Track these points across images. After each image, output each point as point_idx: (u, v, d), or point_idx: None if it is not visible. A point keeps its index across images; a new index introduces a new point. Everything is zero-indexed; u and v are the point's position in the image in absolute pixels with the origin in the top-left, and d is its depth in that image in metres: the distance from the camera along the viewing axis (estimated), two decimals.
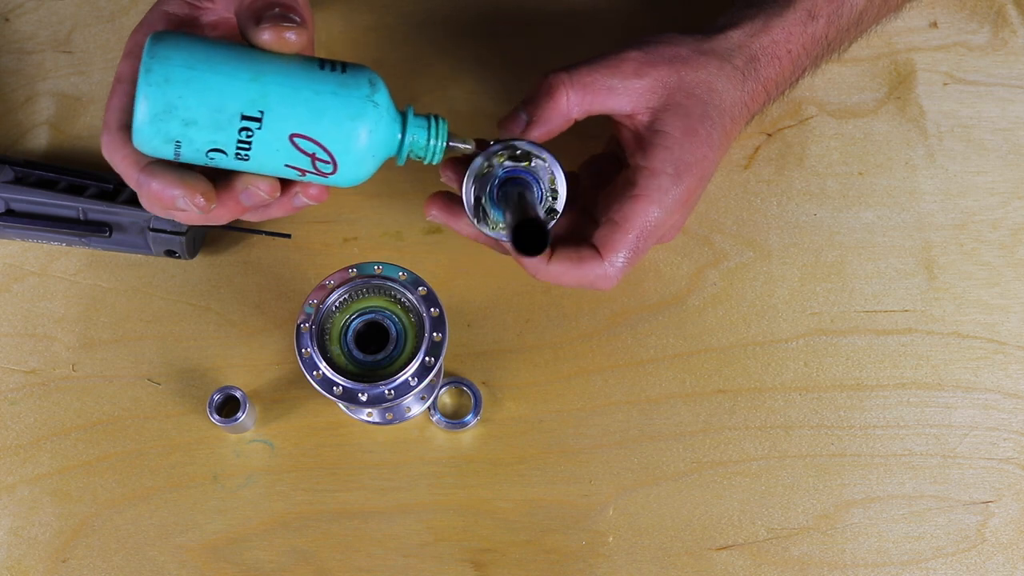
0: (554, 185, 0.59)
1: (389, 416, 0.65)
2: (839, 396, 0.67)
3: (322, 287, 0.59)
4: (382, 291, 0.60)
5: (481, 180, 0.58)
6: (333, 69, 0.53)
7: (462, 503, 0.65)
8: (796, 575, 0.64)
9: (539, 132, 0.59)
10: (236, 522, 0.65)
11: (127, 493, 0.66)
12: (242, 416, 0.64)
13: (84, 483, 0.66)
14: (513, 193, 0.57)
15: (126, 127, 0.53)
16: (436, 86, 0.74)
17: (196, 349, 0.68)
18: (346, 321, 0.60)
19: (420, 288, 0.59)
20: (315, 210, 0.64)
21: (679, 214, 0.62)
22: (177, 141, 0.51)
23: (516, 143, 0.58)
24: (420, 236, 0.71)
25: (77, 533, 0.65)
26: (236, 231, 0.70)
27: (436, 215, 0.62)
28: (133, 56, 0.54)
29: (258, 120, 0.51)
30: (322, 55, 0.55)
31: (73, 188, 0.69)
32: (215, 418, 0.64)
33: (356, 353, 0.59)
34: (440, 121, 0.56)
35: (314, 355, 0.57)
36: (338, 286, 0.59)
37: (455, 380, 0.67)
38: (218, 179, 0.54)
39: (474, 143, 0.58)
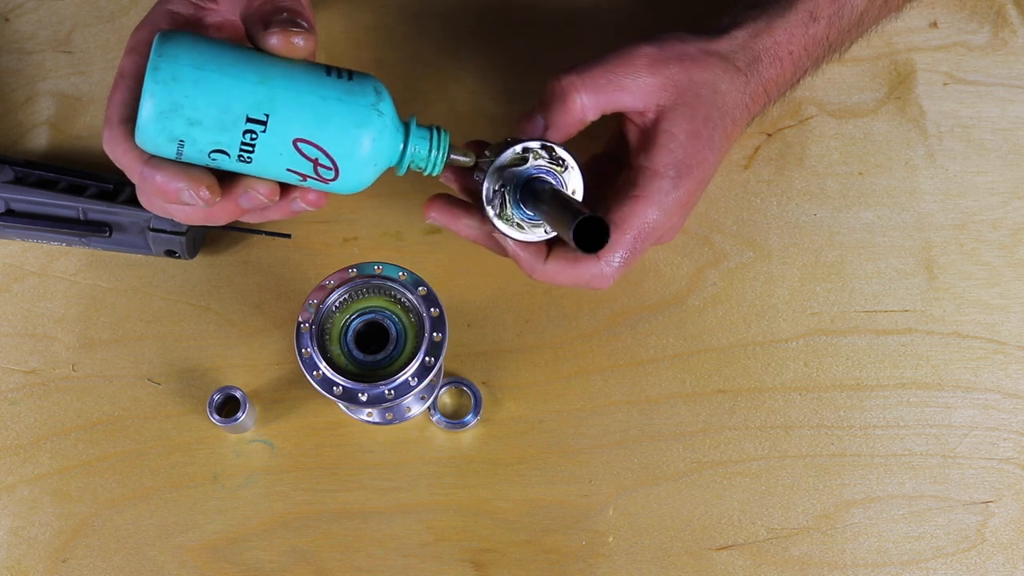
0: (573, 196, 0.59)
1: (389, 416, 0.65)
2: (839, 396, 0.67)
3: (322, 287, 0.59)
4: (382, 291, 0.60)
5: (506, 173, 0.58)
6: (339, 76, 0.53)
7: (462, 503, 0.65)
8: (796, 575, 0.64)
9: (556, 137, 0.60)
10: (236, 522, 0.65)
11: (127, 493, 0.66)
12: (242, 416, 0.64)
13: (84, 483, 0.66)
14: (550, 191, 0.57)
15: (128, 121, 0.53)
16: (436, 86, 0.74)
17: (196, 349, 0.68)
18: (346, 321, 0.60)
19: (420, 288, 0.59)
20: (315, 210, 0.64)
21: (678, 216, 0.62)
22: (181, 140, 0.51)
23: (554, 146, 0.58)
24: (420, 236, 0.71)
25: (77, 533, 0.65)
26: (236, 231, 0.70)
27: (435, 217, 0.62)
28: (136, 53, 0.54)
29: (263, 123, 0.51)
30: (323, 56, 0.55)
31: (73, 188, 0.69)
32: (215, 418, 0.64)
33: (356, 353, 0.59)
34: (443, 133, 0.56)
35: (314, 355, 0.57)
36: (338, 286, 0.59)
37: (455, 380, 0.67)
38: (218, 180, 0.54)
39: (473, 156, 0.58)
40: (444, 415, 0.67)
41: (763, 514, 0.65)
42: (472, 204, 0.60)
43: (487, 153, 0.59)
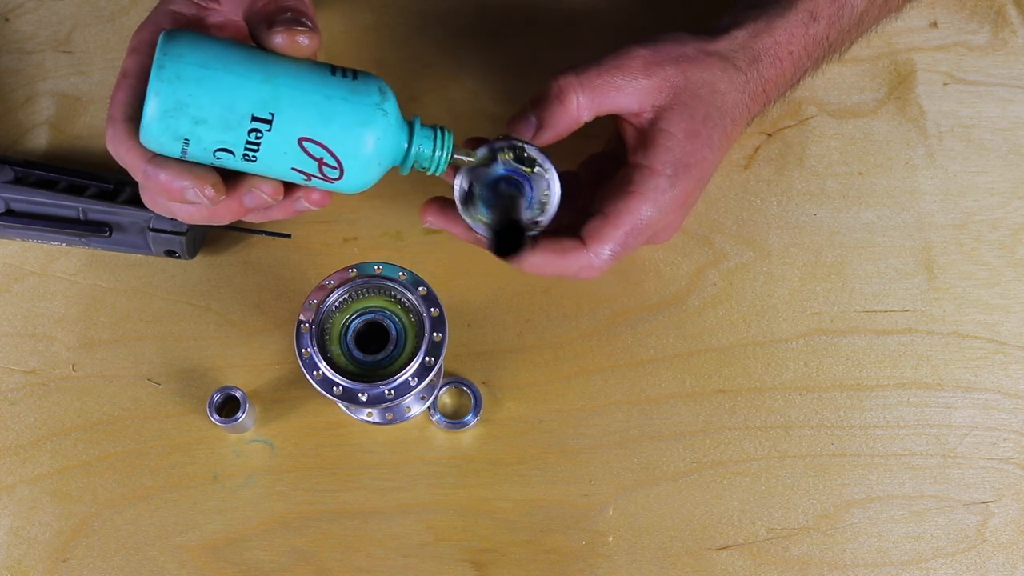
0: (545, 198, 0.59)
1: (389, 416, 0.65)
2: (839, 396, 0.67)
3: (322, 287, 0.59)
4: (382, 291, 0.60)
5: (477, 172, 0.58)
6: (344, 75, 0.53)
7: (462, 503, 0.65)
8: (796, 575, 0.64)
9: (549, 136, 0.60)
10: (236, 522, 0.65)
11: (127, 493, 0.66)
12: (242, 416, 0.64)
13: (84, 483, 0.66)
14: (505, 192, 0.57)
15: (132, 120, 0.53)
16: (436, 86, 0.74)
17: (196, 349, 0.68)
18: (346, 321, 0.60)
19: (420, 288, 0.59)
20: (315, 210, 0.64)
21: (674, 215, 0.62)
22: (185, 139, 0.51)
23: (525, 145, 0.58)
24: (420, 236, 0.71)
25: (77, 533, 0.65)
26: (236, 231, 0.70)
27: (432, 221, 0.62)
28: (139, 53, 0.54)
29: (268, 122, 0.51)
30: (323, 56, 0.55)
31: (73, 188, 0.69)
32: (215, 418, 0.64)
33: (356, 353, 0.59)
34: (446, 133, 0.56)
35: (314, 355, 0.57)
36: (338, 286, 0.59)
37: (455, 380, 0.67)
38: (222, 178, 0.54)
39: (477, 156, 0.58)
40: (444, 415, 0.67)
41: (763, 514, 0.65)
42: None
43: (474, 151, 0.59)
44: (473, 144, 0.60)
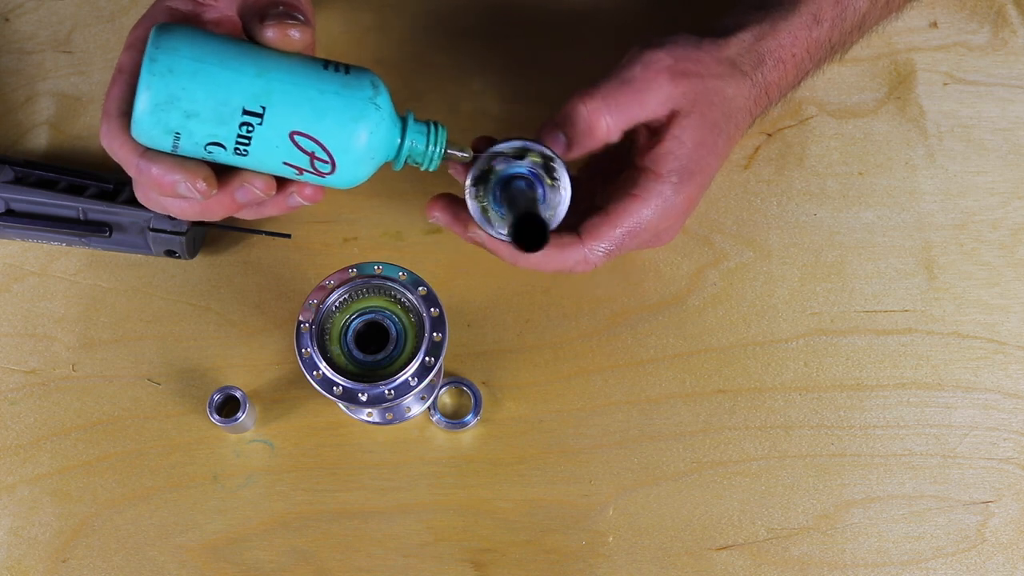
0: (551, 212, 0.59)
1: (389, 416, 0.65)
2: (839, 396, 0.67)
3: (322, 287, 0.59)
4: (382, 291, 0.60)
5: (493, 166, 0.58)
6: (337, 70, 0.53)
7: (462, 503, 0.65)
8: (796, 575, 0.64)
9: (576, 155, 0.60)
10: (236, 522, 0.65)
11: (127, 493, 0.66)
12: (242, 416, 0.64)
13: (84, 483, 0.66)
14: (517, 189, 0.57)
15: (126, 115, 0.53)
16: (436, 86, 0.74)
17: (196, 349, 0.68)
18: (346, 321, 0.60)
19: (420, 288, 0.59)
20: (315, 210, 0.64)
21: (675, 219, 0.62)
22: (176, 133, 0.51)
23: (556, 165, 0.58)
24: (420, 236, 0.71)
25: (77, 533, 0.65)
26: (236, 231, 0.70)
27: (438, 217, 0.62)
28: (135, 49, 0.54)
29: (260, 116, 0.51)
30: (322, 55, 0.55)
31: (73, 188, 0.69)
32: (215, 418, 0.64)
33: (356, 353, 0.59)
34: (439, 128, 0.56)
35: (314, 355, 0.57)
36: (338, 286, 0.59)
37: (455, 380, 0.67)
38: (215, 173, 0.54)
39: (471, 152, 0.58)
40: (444, 415, 0.67)
41: (763, 514, 0.65)
42: None
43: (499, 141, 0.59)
44: (483, 143, 0.60)
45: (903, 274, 0.70)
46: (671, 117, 0.60)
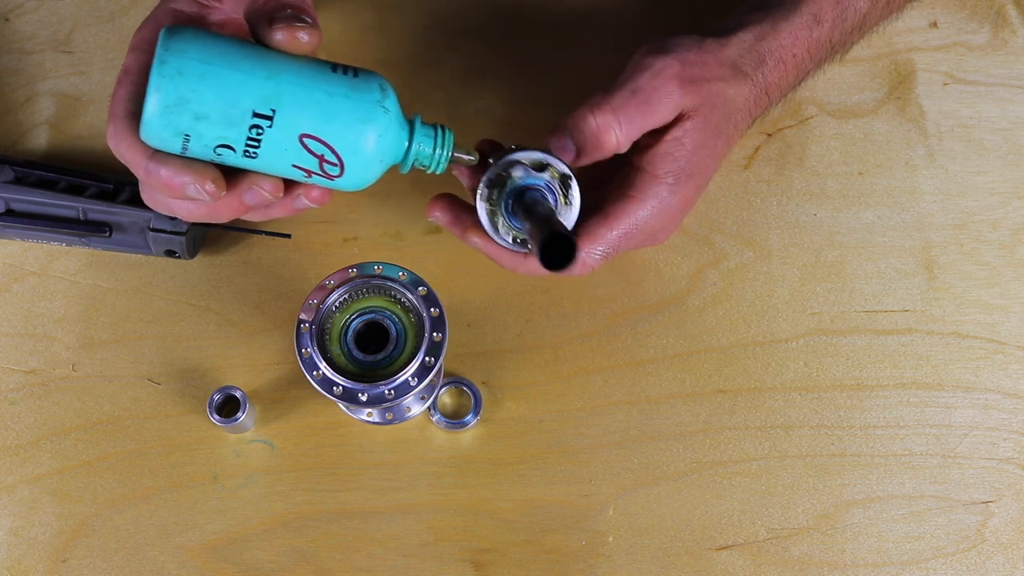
0: (569, 199, 0.59)
1: (389, 416, 0.65)
2: (839, 396, 0.67)
3: (322, 287, 0.59)
4: (382, 291, 0.60)
5: (515, 170, 0.58)
6: (345, 73, 0.53)
7: (462, 503, 0.65)
8: (796, 575, 0.64)
9: (585, 163, 0.60)
10: (236, 522, 0.65)
11: (127, 493, 0.66)
12: (242, 416, 0.64)
13: (84, 483, 0.66)
14: (536, 203, 0.57)
15: (133, 116, 0.53)
16: (436, 86, 0.74)
17: (196, 349, 0.68)
18: (346, 321, 0.60)
19: (420, 288, 0.59)
20: (315, 210, 0.64)
21: (671, 219, 0.62)
22: (186, 135, 0.51)
23: (573, 184, 0.58)
24: (420, 236, 0.71)
25: (77, 533, 0.65)
26: (236, 231, 0.70)
27: (438, 217, 0.62)
28: (140, 50, 0.54)
29: (269, 118, 0.51)
30: (322, 56, 0.55)
31: (73, 188, 0.69)
32: (215, 418, 0.64)
33: (356, 353, 0.59)
34: (447, 131, 0.56)
35: (314, 355, 0.57)
36: (338, 286, 0.59)
37: (455, 380, 0.67)
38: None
39: (477, 156, 0.58)
40: (444, 415, 0.67)
41: (763, 514, 0.65)
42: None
43: (512, 147, 0.59)
44: (487, 145, 0.60)
45: (903, 274, 0.70)
46: (675, 119, 0.60)
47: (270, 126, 0.52)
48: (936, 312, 0.69)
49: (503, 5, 0.77)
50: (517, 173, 0.58)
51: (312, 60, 0.53)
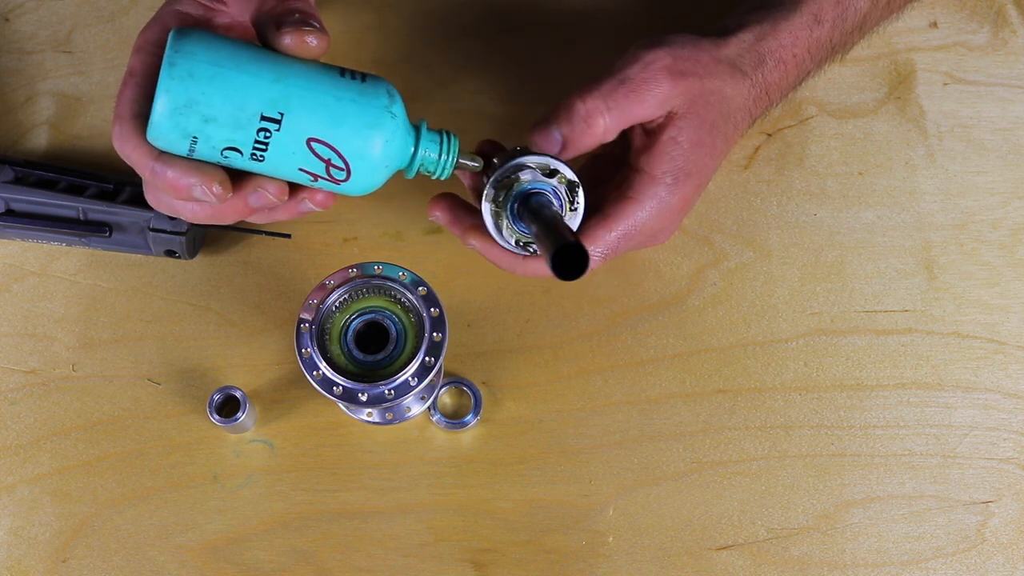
0: (574, 206, 0.59)
1: (389, 416, 0.65)
2: (839, 396, 0.67)
3: (322, 287, 0.59)
4: (382, 291, 0.60)
5: (523, 174, 0.58)
6: (353, 77, 0.53)
7: (462, 503, 0.65)
8: (796, 575, 0.64)
9: (571, 154, 0.60)
10: (236, 522, 0.65)
11: (127, 493, 0.66)
12: (242, 416, 0.64)
13: (84, 483, 0.66)
14: (544, 208, 0.57)
15: (138, 117, 0.53)
16: (436, 86, 0.74)
17: (196, 349, 0.68)
18: (346, 321, 0.60)
19: (420, 288, 0.59)
20: (319, 212, 0.64)
21: (670, 220, 0.62)
22: (194, 137, 0.51)
23: (579, 190, 0.58)
24: (420, 236, 0.71)
25: (77, 533, 0.65)
26: (237, 231, 0.70)
27: (438, 216, 0.62)
28: (145, 52, 0.54)
29: (277, 122, 0.51)
30: (322, 58, 0.55)
31: (73, 188, 0.69)
32: (215, 418, 0.64)
33: (356, 353, 0.59)
34: (452, 137, 0.56)
35: (314, 355, 0.57)
36: (338, 286, 0.59)
37: (455, 380, 0.67)
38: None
39: (482, 162, 0.58)
40: (444, 415, 0.67)
41: (763, 514, 0.65)
42: (476, 208, 0.60)
43: (517, 148, 0.59)
44: (488, 146, 0.59)
45: (903, 274, 0.70)
46: (668, 117, 0.60)
47: (278, 129, 0.52)
48: (936, 312, 0.69)
49: (502, 5, 0.77)
50: (525, 176, 0.58)
51: (320, 64, 0.53)
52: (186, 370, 0.68)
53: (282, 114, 0.51)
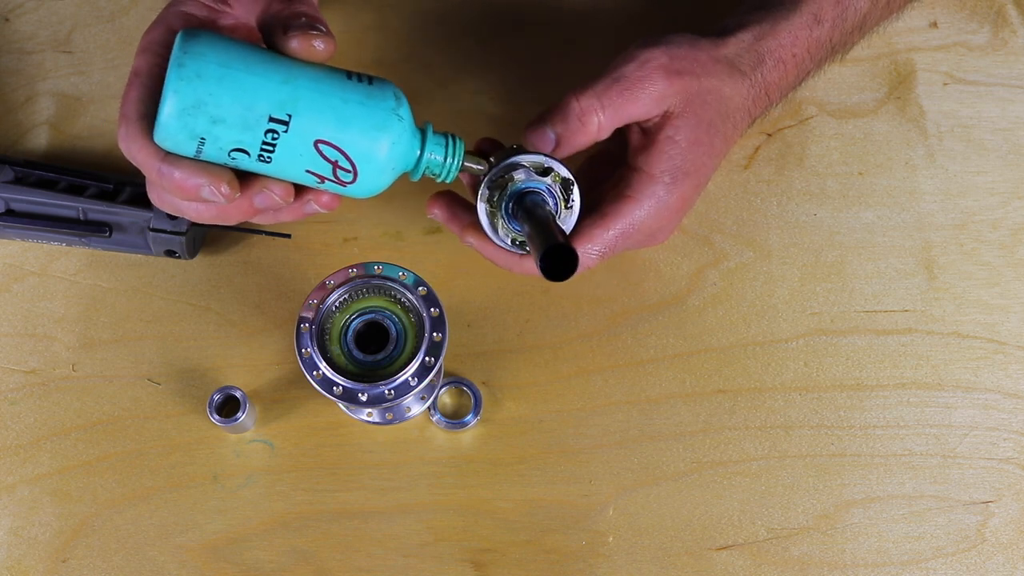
0: (570, 204, 0.59)
1: (389, 416, 0.65)
2: (839, 396, 0.67)
3: (322, 287, 0.59)
4: (382, 291, 0.60)
5: (517, 173, 0.58)
6: (360, 80, 0.53)
7: (462, 503, 0.65)
8: (796, 575, 0.64)
9: (566, 152, 0.60)
10: (236, 522, 0.65)
11: (127, 493, 0.66)
12: (242, 416, 0.64)
13: (84, 483, 0.66)
14: (537, 207, 0.57)
15: (145, 118, 0.52)
16: (436, 86, 0.74)
17: (196, 349, 0.68)
18: (346, 321, 0.60)
19: (420, 288, 0.59)
20: (324, 213, 0.64)
21: (669, 219, 0.62)
22: (202, 138, 0.51)
23: (575, 187, 0.58)
24: (420, 236, 0.71)
25: (77, 533, 0.65)
26: (237, 231, 0.70)
27: (437, 214, 0.62)
28: (150, 52, 0.54)
29: (285, 123, 0.51)
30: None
31: (73, 188, 0.69)
32: (215, 418, 0.64)
33: (356, 353, 0.59)
34: (457, 140, 0.56)
35: (314, 355, 0.57)
36: (338, 286, 0.59)
37: (455, 380, 0.67)
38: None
39: (486, 165, 0.58)
40: (444, 415, 0.67)
41: (763, 514, 0.65)
42: (474, 205, 0.60)
43: (514, 146, 0.59)
44: (487, 144, 0.59)
45: (903, 274, 0.70)
46: (665, 116, 0.60)
47: (286, 131, 0.52)
48: (936, 312, 0.69)
49: (502, 5, 0.77)
50: (519, 176, 0.58)
51: (327, 67, 0.53)
52: (186, 370, 0.68)
53: (290, 116, 0.51)
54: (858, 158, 0.72)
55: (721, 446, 0.66)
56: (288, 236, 0.70)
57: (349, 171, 0.53)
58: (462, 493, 0.65)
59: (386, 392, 0.57)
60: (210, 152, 0.52)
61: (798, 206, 0.71)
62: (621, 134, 0.63)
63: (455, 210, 0.61)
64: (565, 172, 0.58)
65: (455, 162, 0.56)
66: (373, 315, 0.60)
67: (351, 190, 0.55)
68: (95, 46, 0.76)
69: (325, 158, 0.53)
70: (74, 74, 0.75)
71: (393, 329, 0.59)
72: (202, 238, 0.70)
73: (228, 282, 0.70)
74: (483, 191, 0.58)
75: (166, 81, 0.50)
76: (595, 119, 0.59)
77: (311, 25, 0.53)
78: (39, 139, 0.73)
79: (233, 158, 0.52)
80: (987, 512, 0.65)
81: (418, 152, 0.56)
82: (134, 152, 0.53)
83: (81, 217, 0.68)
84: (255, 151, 0.52)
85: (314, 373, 0.57)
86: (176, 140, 0.51)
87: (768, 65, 0.63)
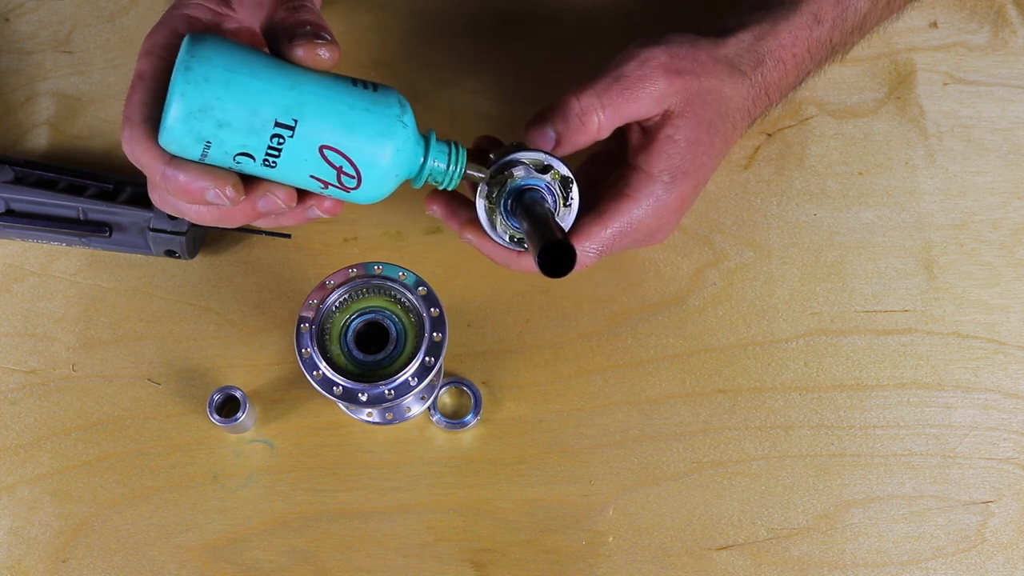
0: (569, 202, 0.59)
1: (389, 416, 0.65)
2: (839, 396, 0.67)
3: (322, 287, 0.59)
4: (382, 291, 0.60)
5: (516, 170, 0.58)
6: (365, 87, 0.54)
7: (462, 503, 0.65)
8: (796, 575, 0.64)
9: (566, 151, 0.60)
10: (236, 522, 0.65)
11: (127, 493, 0.66)
12: (242, 416, 0.64)
13: (84, 483, 0.66)
14: (535, 204, 0.57)
15: (149, 120, 0.52)
16: (436, 86, 0.74)
17: (196, 349, 0.68)
18: (346, 321, 0.60)
19: (420, 288, 0.59)
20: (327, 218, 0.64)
21: (668, 219, 0.62)
22: (207, 142, 0.51)
23: (573, 185, 0.58)
24: (420, 236, 0.71)
25: (77, 533, 0.65)
26: (237, 231, 0.70)
27: (436, 211, 0.62)
28: (154, 55, 0.54)
29: (291, 128, 0.51)
30: None
31: (73, 188, 0.69)
32: (215, 418, 0.64)
33: (356, 353, 0.59)
34: (460, 148, 0.57)
35: (314, 355, 0.57)
36: (338, 286, 0.59)
37: (455, 380, 0.67)
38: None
39: (488, 172, 0.58)
40: (444, 415, 0.67)
41: (763, 514, 0.65)
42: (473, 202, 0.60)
43: (513, 144, 0.59)
44: (486, 141, 0.59)
45: (903, 274, 0.70)
46: (665, 116, 0.60)
47: (291, 136, 0.52)
48: (936, 312, 0.69)
49: (502, 5, 0.77)
50: (518, 173, 0.58)
51: (332, 74, 0.53)
52: (186, 370, 0.68)
53: (296, 121, 0.51)
54: (858, 158, 0.72)
55: (721, 446, 0.66)
56: (288, 236, 0.70)
57: (353, 177, 0.53)
58: (462, 493, 0.66)
59: (386, 392, 0.57)
60: (215, 156, 0.52)
61: (798, 206, 0.71)
62: (621, 133, 0.62)
63: (454, 207, 0.61)
64: (565, 170, 0.58)
65: (458, 170, 0.56)
66: (373, 315, 0.60)
67: (354, 196, 0.55)
68: (95, 46, 0.76)
69: (330, 163, 0.53)
70: (74, 74, 0.75)
71: (393, 329, 0.59)
72: (202, 238, 0.70)
73: (228, 282, 0.70)
74: (482, 187, 0.58)
75: (172, 84, 0.50)
76: (595, 118, 0.59)
77: (316, 34, 0.53)
78: (39, 139, 0.73)
79: (238, 162, 0.52)
80: (987, 512, 0.65)
81: (421, 159, 0.56)
82: (138, 155, 0.53)
83: (81, 217, 0.68)
84: (260, 155, 0.52)
85: (314, 373, 0.57)
86: (182, 143, 0.51)
87: (768, 65, 0.63)
